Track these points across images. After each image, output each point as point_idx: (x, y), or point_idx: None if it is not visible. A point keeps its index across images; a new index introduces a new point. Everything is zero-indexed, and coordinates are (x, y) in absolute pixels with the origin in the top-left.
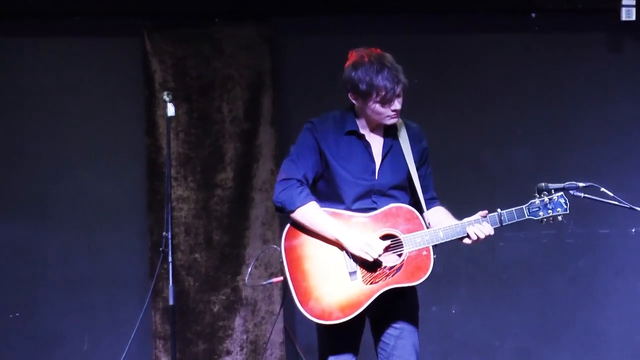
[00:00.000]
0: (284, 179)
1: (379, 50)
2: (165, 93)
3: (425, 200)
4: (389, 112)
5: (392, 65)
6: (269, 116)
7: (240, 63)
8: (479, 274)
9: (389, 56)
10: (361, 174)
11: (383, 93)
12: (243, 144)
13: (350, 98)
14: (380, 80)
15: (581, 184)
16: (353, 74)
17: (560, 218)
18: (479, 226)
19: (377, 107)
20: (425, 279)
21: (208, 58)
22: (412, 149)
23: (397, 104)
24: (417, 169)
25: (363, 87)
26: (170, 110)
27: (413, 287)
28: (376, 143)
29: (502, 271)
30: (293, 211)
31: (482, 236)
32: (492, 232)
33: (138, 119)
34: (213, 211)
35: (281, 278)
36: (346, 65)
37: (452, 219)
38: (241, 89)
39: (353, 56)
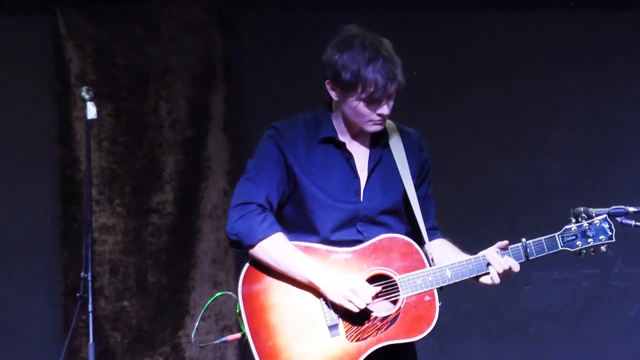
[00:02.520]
0: (240, 204)
1: (374, 33)
2: (84, 89)
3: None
4: (373, 117)
5: (390, 56)
6: (221, 119)
7: (183, 49)
8: (498, 326)
9: (387, 43)
10: (342, 195)
11: (372, 89)
12: (187, 156)
13: (327, 88)
14: (371, 72)
15: (631, 209)
16: (337, 56)
17: (604, 248)
18: (499, 259)
19: (360, 106)
20: (429, 333)
21: (141, 43)
22: (408, 162)
23: (385, 108)
24: (416, 188)
25: (347, 76)
26: (91, 111)
27: (412, 343)
28: (361, 154)
29: (528, 323)
30: (253, 246)
31: (500, 270)
32: (517, 268)
33: (48, 122)
34: (147, 244)
35: (238, 335)
36: (331, 43)
37: (460, 253)
38: (184, 84)
39: (342, 33)
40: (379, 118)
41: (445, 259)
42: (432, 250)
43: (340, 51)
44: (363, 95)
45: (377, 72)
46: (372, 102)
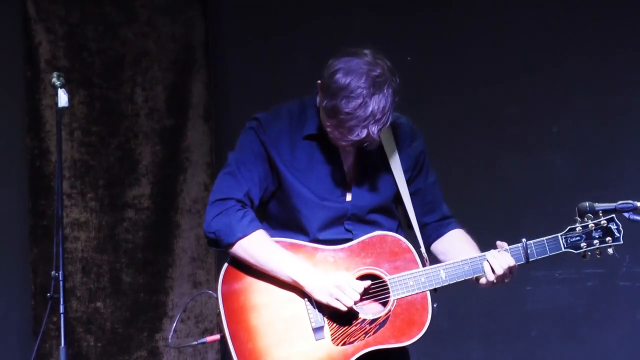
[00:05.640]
0: (218, 200)
1: (389, 76)
2: (54, 75)
3: (433, 223)
4: (336, 140)
5: (381, 116)
6: (201, 108)
7: (161, 32)
8: (498, 329)
9: (390, 96)
10: (328, 193)
11: (342, 132)
12: (165, 146)
13: (317, 86)
14: (350, 120)
15: None
16: (338, 76)
17: (611, 251)
18: (497, 257)
19: (327, 128)
20: (421, 337)
21: (116, 25)
22: (400, 155)
23: (349, 145)
24: (410, 183)
25: (328, 103)
26: (62, 99)
27: (404, 348)
28: (348, 149)
29: (530, 326)
30: (232, 244)
31: (500, 272)
32: (512, 262)
33: (16, 111)
34: (122, 242)
35: (217, 336)
36: (347, 54)
37: (474, 249)
38: (162, 70)
39: (360, 56)
40: (346, 145)
41: (457, 256)
42: (443, 248)
43: (344, 74)
44: (333, 127)
45: (356, 124)
46: (340, 137)
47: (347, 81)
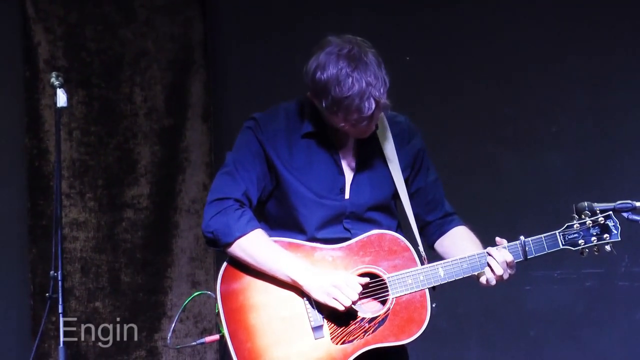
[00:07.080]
0: (216, 200)
1: (361, 45)
2: (53, 75)
3: (436, 221)
4: (355, 133)
5: (375, 80)
6: (200, 107)
7: (160, 32)
8: (496, 329)
9: (372, 60)
10: (326, 191)
11: (354, 117)
12: (163, 146)
13: (310, 97)
14: (353, 101)
15: (639, 204)
16: (318, 74)
17: (608, 248)
18: (495, 254)
19: (342, 125)
20: (419, 336)
21: (114, 25)
22: (398, 153)
23: (370, 127)
24: (410, 181)
25: (327, 101)
26: (61, 99)
27: (402, 347)
28: (347, 148)
29: (529, 325)
30: (230, 244)
31: (500, 270)
32: (509, 259)
33: (15, 110)
34: (121, 242)
35: (217, 336)
36: (315, 53)
37: (476, 246)
38: (161, 69)
39: (325, 47)
40: (362, 133)
41: (456, 254)
42: (446, 245)
43: (322, 69)
44: (346, 120)
45: (361, 101)
46: (354, 124)
47: (328, 73)
